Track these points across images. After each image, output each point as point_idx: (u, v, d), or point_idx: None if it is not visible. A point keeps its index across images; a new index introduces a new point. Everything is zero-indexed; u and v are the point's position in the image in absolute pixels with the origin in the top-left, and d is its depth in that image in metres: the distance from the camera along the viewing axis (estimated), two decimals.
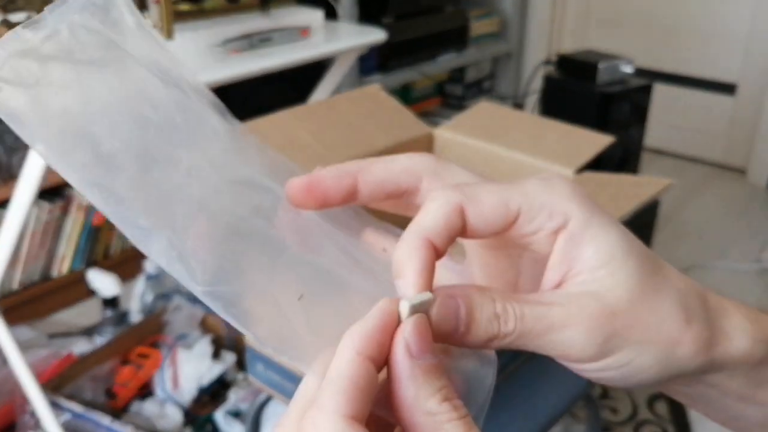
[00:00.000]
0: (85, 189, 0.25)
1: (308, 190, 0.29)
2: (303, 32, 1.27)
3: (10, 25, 1.01)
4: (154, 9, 1.04)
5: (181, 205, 0.26)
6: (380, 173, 0.30)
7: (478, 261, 0.32)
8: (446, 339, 0.27)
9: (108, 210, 0.25)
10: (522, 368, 0.93)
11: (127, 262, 1.80)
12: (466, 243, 0.33)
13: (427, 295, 0.26)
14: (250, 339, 0.25)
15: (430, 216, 0.27)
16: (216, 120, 0.29)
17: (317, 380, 0.25)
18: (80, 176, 0.25)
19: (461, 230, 0.28)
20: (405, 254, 0.27)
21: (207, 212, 0.27)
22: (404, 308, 0.26)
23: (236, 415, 1.34)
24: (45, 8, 0.27)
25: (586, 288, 0.28)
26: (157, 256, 0.25)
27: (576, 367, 0.29)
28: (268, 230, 0.28)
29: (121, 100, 0.27)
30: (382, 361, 0.25)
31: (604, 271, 0.28)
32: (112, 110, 0.26)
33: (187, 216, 0.26)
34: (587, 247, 0.28)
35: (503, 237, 0.30)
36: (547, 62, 2.15)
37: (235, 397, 1.38)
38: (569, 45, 2.92)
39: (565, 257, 0.28)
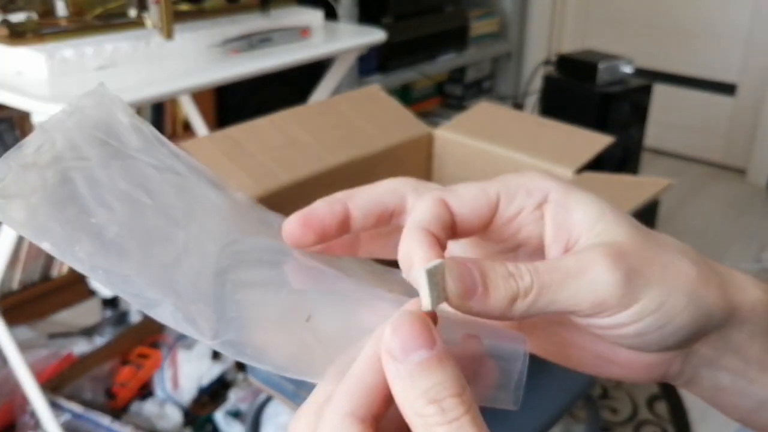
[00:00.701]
0: (90, 273, 0.27)
1: (305, 223, 0.30)
2: (303, 32, 1.27)
3: (10, 26, 1.02)
4: (153, 9, 1.04)
5: (181, 275, 0.28)
6: (367, 197, 0.31)
7: None
8: (468, 307, 0.27)
9: (114, 288, 0.27)
10: None
11: None
12: None
13: (438, 261, 0.26)
14: (270, 370, 0.27)
15: (419, 211, 0.29)
16: (213, 194, 0.31)
17: (329, 387, 0.26)
18: (87, 264, 0.27)
19: (450, 221, 0.29)
20: (408, 243, 0.28)
21: (207, 276, 0.28)
22: (420, 276, 0.26)
23: (236, 415, 1.34)
24: (39, 124, 0.30)
25: (590, 243, 0.28)
26: (165, 320, 0.27)
27: (613, 323, 0.28)
28: (269, 271, 0.30)
29: (117, 191, 0.29)
30: None
31: (601, 226, 0.29)
32: (110, 201, 0.28)
33: (187, 284, 0.28)
34: (576, 211, 0.29)
35: (493, 236, 0.31)
36: (547, 62, 2.15)
37: (234, 398, 1.38)
38: (569, 45, 2.92)
39: (559, 227, 0.29)
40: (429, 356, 0.24)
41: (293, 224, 0.30)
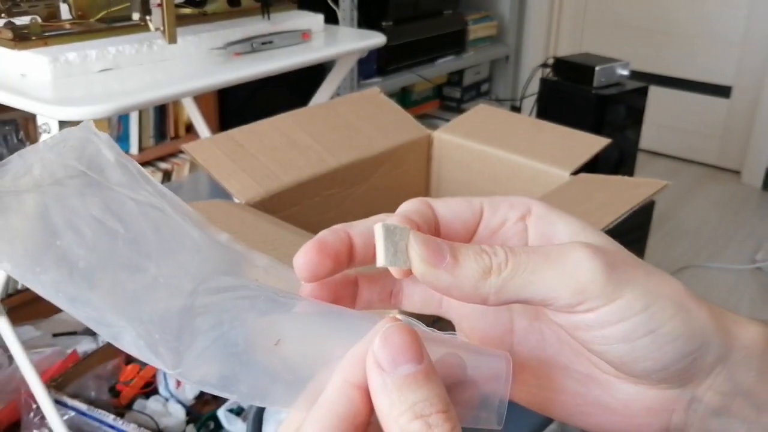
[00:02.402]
0: (53, 297, 0.26)
1: (321, 250, 0.28)
2: (304, 36, 1.28)
3: (15, 29, 1.03)
4: (156, 13, 1.06)
5: (148, 305, 0.27)
6: (362, 224, 0.30)
7: (468, 325, 0.32)
8: (435, 276, 0.26)
9: (76, 313, 0.26)
10: None
11: None
12: (454, 314, 0.33)
13: (402, 225, 0.26)
14: (236, 399, 0.26)
15: (402, 207, 0.29)
16: (196, 233, 0.30)
17: (300, 415, 0.25)
18: (49, 287, 0.26)
19: (433, 220, 0.29)
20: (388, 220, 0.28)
21: (172, 310, 0.27)
22: (377, 231, 0.25)
23: (238, 412, 1.36)
24: (18, 152, 0.30)
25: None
26: (128, 348, 0.26)
27: (597, 320, 0.26)
28: (240, 301, 0.28)
29: (88, 217, 0.28)
30: None
31: (583, 237, 0.28)
32: (79, 225, 0.28)
33: (153, 314, 0.27)
34: (558, 224, 0.29)
35: None
36: (544, 65, 2.17)
37: None
38: (566, 48, 2.94)
39: (542, 237, 0.29)
40: (417, 370, 0.23)
41: (309, 254, 0.28)
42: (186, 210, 0.31)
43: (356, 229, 0.29)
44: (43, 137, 0.98)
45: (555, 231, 0.29)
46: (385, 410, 0.23)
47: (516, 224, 0.30)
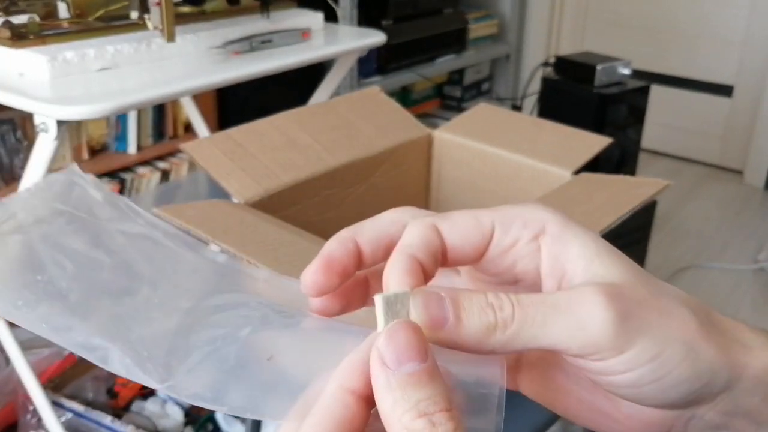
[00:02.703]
0: (34, 326, 0.26)
1: (327, 269, 0.28)
2: (303, 34, 1.28)
3: (13, 27, 1.02)
4: (155, 11, 1.05)
5: (136, 324, 0.27)
6: (371, 229, 0.29)
7: None
8: (438, 338, 0.25)
9: (59, 339, 0.26)
10: None
11: None
12: None
13: (400, 290, 0.25)
14: (226, 412, 0.26)
15: (408, 236, 0.28)
16: (191, 256, 0.31)
17: (293, 425, 0.25)
18: (30, 317, 0.26)
19: (441, 248, 0.28)
20: (389, 267, 0.27)
21: (167, 328, 0.27)
22: (377, 302, 0.25)
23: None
24: (0, 202, 0.31)
25: (585, 280, 0.27)
26: (115, 369, 0.26)
27: (606, 369, 0.26)
28: (235, 317, 0.28)
29: (71, 252, 0.28)
30: (372, 393, 0.24)
31: (597, 263, 0.27)
32: (61, 260, 0.28)
33: (142, 332, 0.27)
34: (573, 246, 0.28)
35: (489, 268, 0.29)
36: (546, 64, 2.16)
37: None
38: (567, 47, 2.94)
39: (556, 261, 0.28)
40: (421, 369, 0.23)
41: (316, 274, 0.28)
42: (180, 236, 0.31)
43: (365, 236, 0.29)
44: (41, 136, 0.97)
45: (569, 255, 0.28)
46: (388, 408, 0.23)
47: (529, 244, 0.28)
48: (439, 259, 0.28)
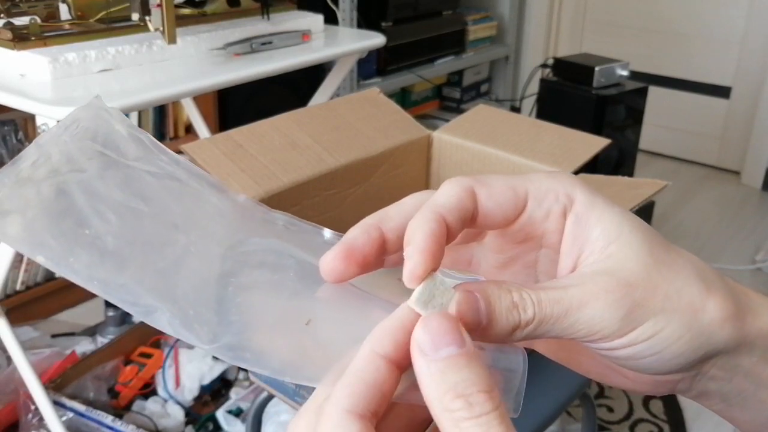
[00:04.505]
0: (87, 284, 0.27)
1: (347, 257, 0.28)
2: (303, 36, 1.28)
3: (14, 29, 1.03)
4: (156, 13, 1.06)
5: (181, 279, 0.28)
6: (398, 216, 0.29)
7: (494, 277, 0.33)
8: (471, 334, 0.26)
9: (111, 297, 0.27)
10: None
11: None
12: (482, 257, 0.33)
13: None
14: (268, 374, 0.26)
15: (443, 195, 0.29)
16: (216, 198, 0.31)
17: (328, 389, 0.26)
18: (83, 275, 0.27)
19: (472, 213, 0.29)
20: (416, 224, 0.27)
21: (209, 279, 0.28)
22: (416, 306, 0.26)
23: (237, 413, 1.36)
24: (34, 140, 0.30)
25: (599, 266, 0.28)
26: (162, 327, 0.27)
27: (606, 347, 0.28)
28: (271, 275, 0.29)
29: (112, 202, 0.29)
30: (402, 358, 0.25)
31: (614, 246, 0.28)
32: (105, 211, 0.28)
33: (187, 288, 0.27)
34: (594, 228, 0.29)
35: (518, 234, 0.30)
36: (544, 66, 2.17)
37: (236, 396, 1.39)
38: (566, 49, 2.94)
39: (575, 240, 0.29)
40: (458, 353, 0.24)
41: (335, 261, 0.28)
42: (202, 175, 0.31)
43: (390, 223, 0.29)
44: None
45: (588, 237, 0.29)
46: (430, 392, 0.24)
47: (558, 220, 0.30)
48: (467, 223, 0.29)
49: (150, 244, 0.28)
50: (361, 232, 0.29)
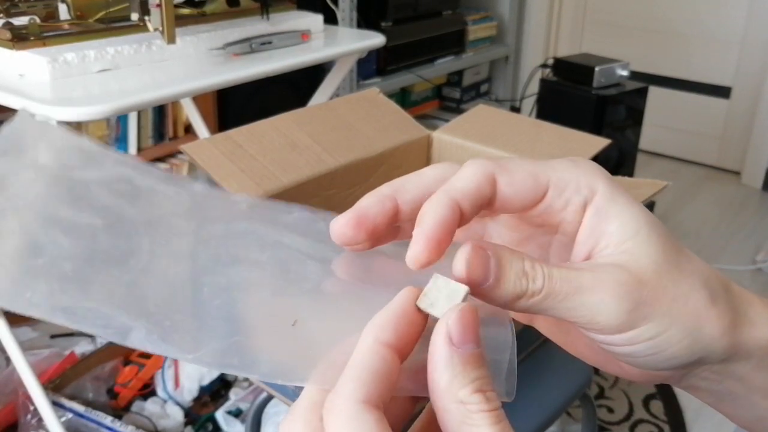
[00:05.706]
0: (50, 315, 0.25)
1: (357, 224, 0.28)
2: (303, 36, 1.28)
3: (13, 29, 1.03)
4: (155, 13, 1.05)
5: (150, 288, 0.26)
6: (415, 189, 0.29)
7: None
8: (474, 291, 0.27)
9: (79, 324, 0.25)
10: (518, 367, 0.94)
11: None
12: (494, 233, 0.33)
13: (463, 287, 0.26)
14: (258, 378, 0.25)
15: (463, 179, 0.28)
16: (170, 190, 0.30)
17: (314, 387, 0.25)
18: (44, 307, 0.25)
19: (489, 200, 0.29)
20: (429, 206, 0.27)
21: (179, 282, 0.27)
22: (434, 279, 0.26)
23: (237, 414, 1.35)
24: None
25: (614, 259, 0.28)
26: (141, 345, 0.25)
27: (605, 341, 0.28)
28: (247, 273, 0.28)
29: (61, 222, 0.27)
30: (403, 346, 0.25)
31: (631, 243, 0.28)
32: (55, 235, 0.26)
33: (159, 298, 0.26)
34: (613, 222, 0.29)
35: (535, 219, 0.30)
36: (544, 66, 2.17)
37: (235, 397, 1.39)
38: (566, 49, 2.94)
39: (593, 231, 0.29)
40: (477, 351, 0.25)
41: (345, 226, 0.28)
42: (150, 170, 0.30)
43: (407, 195, 0.29)
44: None
45: (606, 231, 0.29)
46: (445, 382, 0.24)
47: (577, 211, 0.29)
48: (482, 208, 0.29)
49: (111, 258, 0.27)
50: (376, 202, 0.28)
